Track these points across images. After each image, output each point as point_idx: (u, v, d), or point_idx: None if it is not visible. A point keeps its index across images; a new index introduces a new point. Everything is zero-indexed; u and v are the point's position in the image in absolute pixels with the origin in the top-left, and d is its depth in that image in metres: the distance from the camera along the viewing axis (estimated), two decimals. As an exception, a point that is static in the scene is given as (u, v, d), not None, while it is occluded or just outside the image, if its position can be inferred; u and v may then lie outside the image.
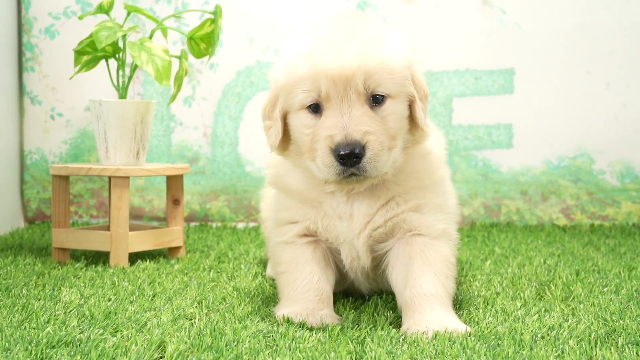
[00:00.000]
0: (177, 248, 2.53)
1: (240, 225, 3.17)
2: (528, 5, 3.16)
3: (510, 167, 3.18)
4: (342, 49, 1.73)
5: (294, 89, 1.76)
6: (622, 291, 2.03)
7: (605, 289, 2.06)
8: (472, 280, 2.19)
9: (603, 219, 3.19)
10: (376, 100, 1.75)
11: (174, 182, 2.52)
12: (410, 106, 1.79)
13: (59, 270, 2.27)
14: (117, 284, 2.11)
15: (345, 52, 1.73)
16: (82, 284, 2.10)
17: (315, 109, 1.76)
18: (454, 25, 3.16)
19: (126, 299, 1.94)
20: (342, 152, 1.68)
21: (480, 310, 1.85)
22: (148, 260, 2.41)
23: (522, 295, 2.01)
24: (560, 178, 3.18)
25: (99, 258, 2.49)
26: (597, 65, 3.16)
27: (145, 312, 1.82)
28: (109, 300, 1.94)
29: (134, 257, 2.47)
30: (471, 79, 3.16)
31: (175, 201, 2.53)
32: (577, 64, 3.16)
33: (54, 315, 1.77)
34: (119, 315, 1.78)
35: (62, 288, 2.05)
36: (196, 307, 1.88)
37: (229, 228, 3.13)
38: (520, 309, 1.87)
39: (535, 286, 2.11)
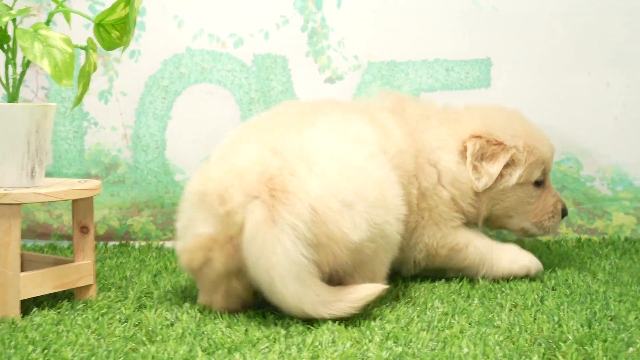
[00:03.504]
0: (87, 287, 2.02)
1: (169, 244, 2.66)
2: (507, -15, 2.70)
3: (486, 173, 2.73)
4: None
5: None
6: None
7: (631, 350, 1.63)
8: (459, 335, 1.72)
9: (591, 233, 2.77)
10: None
11: (81, 206, 2.01)
12: None
13: None
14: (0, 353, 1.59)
15: None
16: (-49, 354, 1.58)
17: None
18: (421, 8, 2.68)
19: (7, 382, 1.43)
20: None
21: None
22: (47, 308, 1.90)
23: (529, 361, 1.56)
24: (542, 186, 2.73)
25: (-15, 303, 1.96)
26: (587, 56, 2.71)
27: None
28: (-17, 384, 1.43)
29: (29, 302, 1.94)
30: (441, 71, 2.69)
31: (83, 229, 2.01)
32: (563, 55, 2.71)
33: None
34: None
35: None
36: (101, 396, 1.39)
37: (155, 248, 2.62)
38: (532, 388, 1.42)
39: (542, 345, 1.66)
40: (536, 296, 2.05)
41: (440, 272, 2.24)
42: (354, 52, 2.67)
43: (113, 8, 1.89)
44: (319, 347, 1.64)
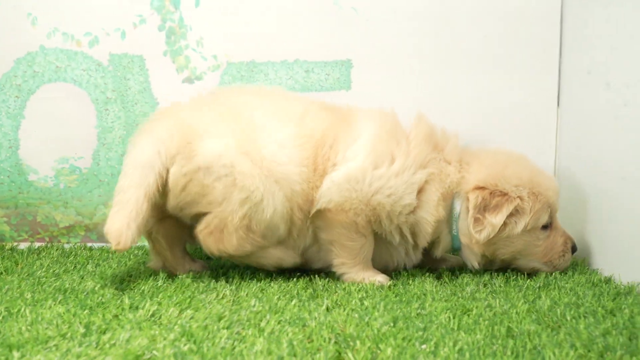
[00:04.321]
0: None
1: (23, 246, 2.62)
2: (368, -14, 2.69)
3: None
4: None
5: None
6: (443, 351, 1.58)
7: (424, 347, 1.62)
8: (258, 334, 1.70)
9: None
10: None
11: None
12: None
13: None
14: None
15: None
16: None
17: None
18: (282, 8, 2.67)
19: None
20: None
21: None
22: None
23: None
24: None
25: None
26: (452, 56, 2.71)
27: None
28: None
29: None
30: (301, 72, 2.68)
31: None
32: (426, 55, 2.71)
33: None
34: None
35: None
36: None
37: (8, 249, 2.57)
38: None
39: (336, 344, 1.64)
40: (363, 295, 2.04)
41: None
42: (213, 52, 2.65)
43: None
44: (108, 345, 1.62)
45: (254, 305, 1.91)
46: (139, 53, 2.63)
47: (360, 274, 2.22)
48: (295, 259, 2.22)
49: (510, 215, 2.19)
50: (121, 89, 2.63)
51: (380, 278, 2.22)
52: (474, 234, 2.19)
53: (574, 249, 2.31)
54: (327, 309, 1.92)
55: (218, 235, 2.13)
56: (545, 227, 2.27)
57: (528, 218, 2.21)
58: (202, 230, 2.14)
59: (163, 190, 2.12)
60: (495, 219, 2.17)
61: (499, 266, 2.32)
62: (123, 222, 2.04)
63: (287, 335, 1.69)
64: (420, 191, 2.19)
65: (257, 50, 2.67)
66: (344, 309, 1.91)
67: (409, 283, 2.20)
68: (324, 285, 2.17)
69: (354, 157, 2.17)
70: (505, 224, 2.19)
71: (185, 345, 1.61)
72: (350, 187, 2.15)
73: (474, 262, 2.27)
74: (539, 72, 2.69)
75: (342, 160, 2.17)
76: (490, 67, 2.70)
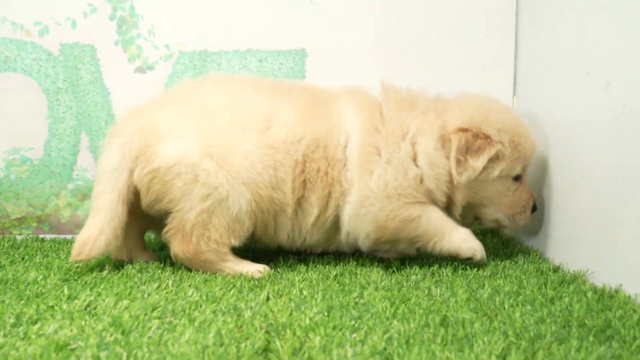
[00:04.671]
0: None
1: (-28, 238, 2.60)
2: (324, -25, 2.67)
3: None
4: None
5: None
6: (372, 339, 1.57)
7: (354, 336, 1.60)
8: (188, 324, 1.68)
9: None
10: None
11: None
12: None
13: None
14: None
15: None
16: None
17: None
18: (234, -3, 2.65)
19: None
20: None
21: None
22: None
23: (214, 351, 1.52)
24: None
25: None
26: (412, 47, 2.69)
27: None
28: None
29: None
30: (254, 61, 2.66)
31: None
32: (383, 45, 2.69)
33: None
34: None
35: None
36: None
37: (-44, 241, 2.56)
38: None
39: (266, 333, 1.63)
40: (305, 285, 2.02)
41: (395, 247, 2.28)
42: (165, 41, 2.63)
43: None
44: (34, 336, 1.60)
45: (191, 295, 1.90)
46: (90, 42, 2.61)
47: (453, 234, 2.24)
48: (264, 271, 2.18)
49: (490, 159, 2.21)
50: (72, 79, 2.60)
51: (476, 244, 2.26)
52: (456, 176, 2.20)
53: (534, 207, 2.34)
54: (267, 298, 1.90)
55: (180, 236, 2.14)
56: (516, 178, 2.30)
57: (505, 164, 2.23)
58: (167, 232, 2.16)
59: (135, 191, 2.15)
60: (477, 163, 2.19)
61: (470, 220, 2.34)
62: (96, 227, 2.09)
63: (219, 324, 1.67)
64: (414, 158, 2.20)
65: (210, 39, 2.64)
66: (282, 299, 1.89)
67: (355, 273, 2.19)
68: (270, 276, 2.15)
69: (352, 178, 2.19)
70: (483, 167, 2.21)
71: (112, 335, 1.59)
72: (369, 204, 2.18)
73: (455, 213, 2.28)
74: (496, 63, 2.68)
75: (350, 186, 2.19)
76: (451, 57, 2.68)
